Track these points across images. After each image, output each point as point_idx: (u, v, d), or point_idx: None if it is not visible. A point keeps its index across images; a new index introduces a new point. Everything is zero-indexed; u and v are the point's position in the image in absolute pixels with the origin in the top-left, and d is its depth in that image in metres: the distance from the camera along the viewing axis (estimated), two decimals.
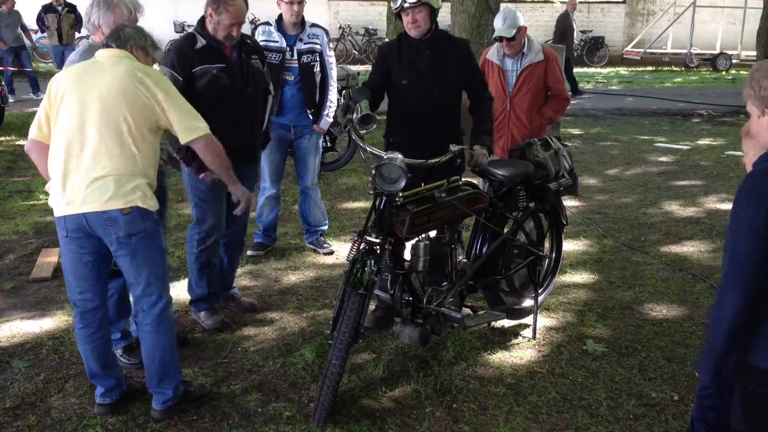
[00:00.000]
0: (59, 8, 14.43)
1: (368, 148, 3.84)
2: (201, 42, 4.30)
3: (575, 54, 23.91)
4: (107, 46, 3.43)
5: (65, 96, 3.28)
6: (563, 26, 16.00)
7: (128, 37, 3.44)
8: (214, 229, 4.46)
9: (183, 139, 3.40)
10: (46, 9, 14.73)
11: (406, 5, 4.23)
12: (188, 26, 19.23)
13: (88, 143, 3.23)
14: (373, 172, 3.62)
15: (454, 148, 3.98)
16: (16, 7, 14.84)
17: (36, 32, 19.85)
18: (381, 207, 3.68)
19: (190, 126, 3.39)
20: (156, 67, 3.84)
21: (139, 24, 3.76)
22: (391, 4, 4.36)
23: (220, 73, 4.29)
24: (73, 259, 3.41)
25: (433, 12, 4.32)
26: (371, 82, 4.53)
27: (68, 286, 3.51)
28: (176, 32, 19.53)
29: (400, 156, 3.66)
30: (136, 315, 4.07)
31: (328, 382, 3.47)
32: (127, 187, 3.25)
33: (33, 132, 3.39)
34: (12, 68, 14.39)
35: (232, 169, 3.68)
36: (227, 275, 4.90)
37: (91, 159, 3.23)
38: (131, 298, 3.65)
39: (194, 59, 4.26)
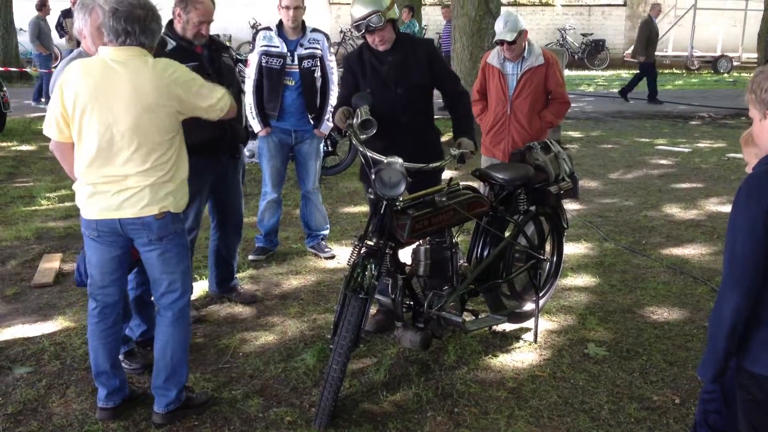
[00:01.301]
0: None
1: (368, 153, 3.85)
2: (171, 44, 4.41)
3: (575, 57, 23.97)
4: (125, 38, 3.26)
5: (86, 108, 3.24)
6: (647, 32, 15.56)
7: (153, 37, 3.35)
8: (192, 229, 4.58)
9: (213, 118, 3.60)
10: (66, 14, 14.74)
11: (372, 28, 4.21)
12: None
13: (120, 154, 3.27)
14: (373, 176, 3.63)
15: (454, 152, 4.00)
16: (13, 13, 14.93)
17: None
18: (382, 212, 3.69)
19: (213, 104, 3.51)
20: None
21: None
22: (353, 30, 4.37)
23: (194, 71, 4.34)
24: (101, 255, 3.49)
25: (394, 22, 4.33)
26: (343, 95, 4.56)
27: (91, 281, 3.56)
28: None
29: (400, 160, 3.66)
30: (133, 320, 4.13)
31: (328, 387, 3.48)
32: (160, 194, 3.35)
33: (54, 134, 3.38)
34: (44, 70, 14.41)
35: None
36: (229, 264, 5.04)
37: (124, 169, 3.28)
38: (152, 296, 3.68)
39: None
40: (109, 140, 3.26)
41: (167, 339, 3.57)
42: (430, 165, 3.91)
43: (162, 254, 3.45)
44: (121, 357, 4.04)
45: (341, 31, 22.98)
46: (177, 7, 4.40)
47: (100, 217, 3.35)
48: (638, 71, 16.22)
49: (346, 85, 4.57)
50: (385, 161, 3.67)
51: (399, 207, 3.69)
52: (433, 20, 23.41)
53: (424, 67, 4.41)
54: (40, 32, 14.50)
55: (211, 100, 3.47)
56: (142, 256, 3.51)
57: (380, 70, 4.39)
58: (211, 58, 4.55)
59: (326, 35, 5.84)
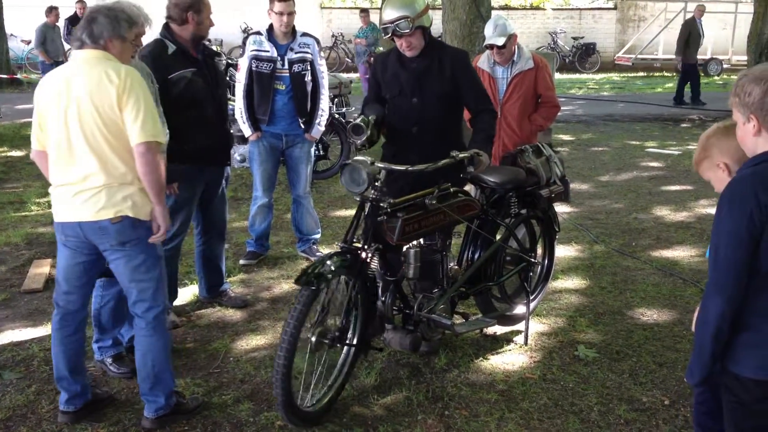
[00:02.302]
0: None
1: (357, 156, 3.88)
2: (172, 47, 4.46)
3: (566, 60, 24.03)
4: (82, 43, 3.32)
5: (49, 106, 3.30)
6: (686, 33, 15.39)
7: (101, 30, 3.29)
8: (178, 234, 4.62)
9: (132, 141, 3.25)
10: (72, 20, 14.69)
11: (399, 33, 4.17)
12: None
13: (76, 155, 3.27)
14: (340, 172, 3.67)
15: (459, 156, 3.97)
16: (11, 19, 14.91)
17: (28, 42, 19.90)
18: (367, 214, 3.70)
19: (139, 128, 3.22)
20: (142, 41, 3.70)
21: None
22: (381, 30, 4.34)
23: (194, 76, 4.48)
24: (67, 260, 3.48)
25: (426, 29, 4.28)
26: (371, 96, 4.60)
27: (56, 287, 3.57)
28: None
29: (368, 159, 3.66)
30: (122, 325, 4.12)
31: (276, 375, 3.41)
32: (117, 197, 3.29)
33: (34, 142, 3.43)
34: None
35: (163, 186, 3.43)
36: (217, 269, 5.07)
37: (81, 170, 3.28)
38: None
39: (169, 64, 4.40)
40: (67, 142, 3.27)
41: (146, 349, 3.54)
42: (410, 168, 3.87)
43: (128, 262, 3.40)
44: (109, 360, 4.06)
45: (333, 35, 23.00)
46: (186, 13, 4.41)
47: (63, 220, 3.38)
48: (681, 74, 15.95)
49: (370, 86, 4.63)
50: (352, 159, 3.69)
51: (385, 209, 3.69)
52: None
53: (446, 78, 4.33)
54: (45, 39, 14.45)
55: (147, 119, 3.24)
56: (110, 264, 3.47)
57: (401, 76, 4.37)
58: (206, 63, 4.61)
59: (316, 39, 5.85)
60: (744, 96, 2.31)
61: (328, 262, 3.54)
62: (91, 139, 3.24)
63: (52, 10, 14.77)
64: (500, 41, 5.28)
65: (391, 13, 4.16)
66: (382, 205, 3.67)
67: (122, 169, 3.29)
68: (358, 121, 4.09)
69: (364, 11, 17.20)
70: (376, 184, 3.68)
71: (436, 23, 9.82)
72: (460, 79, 4.37)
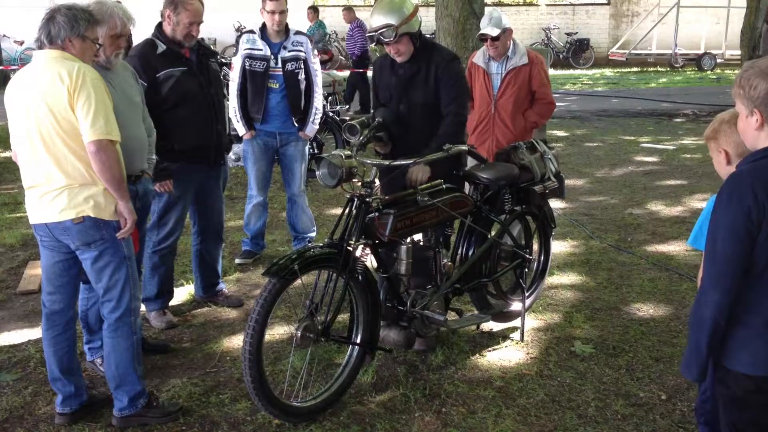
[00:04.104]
0: None
1: (333, 151, 3.92)
2: (161, 47, 4.47)
3: (560, 56, 24.04)
4: (41, 44, 3.28)
5: (11, 107, 3.32)
6: None
7: (58, 31, 3.25)
8: (173, 233, 4.64)
9: (84, 139, 3.21)
10: None
11: (384, 41, 4.18)
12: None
13: (38, 157, 3.28)
14: (315, 165, 3.71)
15: (452, 150, 3.97)
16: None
17: (21, 43, 19.83)
18: (355, 211, 3.71)
19: (89, 125, 3.17)
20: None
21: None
22: (368, 40, 4.34)
23: (183, 75, 4.48)
24: (47, 260, 3.51)
25: (413, 36, 4.25)
26: (375, 94, 4.66)
27: (42, 287, 3.60)
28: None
29: (343, 154, 3.65)
30: None
31: (245, 361, 3.42)
32: (78, 198, 3.29)
33: (12, 141, 3.45)
34: None
35: (125, 184, 3.39)
36: (213, 269, 5.07)
37: (43, 172, 3.29)
38: None
39: (157, 64, 4.41)
40: (30, 144, 3.28)
41: (109, 349, 3.55)
42: (393, 162, 3.90)
43: (93, 262, 3.41)
44: (99, 361, 4.06)
45: (326, 34, 22.94)
46: (167, 9, 4.45)
47: (34, 221, 3.42)
48: None
49: (372, 88, 4.67)
50: (327, 154, 3.70)
51: (374, 205, 3.69)
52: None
53: (430, 86, 4.33)
54: None
55: (98, 116, 3.18)
56: (83, 264, 3.48)
57: (391, 82, 4.42)
58: (200, 63, 4.60)
59: (309, 37, 5.85)
60: (749, 89, 2.29)
61: (305, 255, 3.55)
62: (49, 141, 3.23)
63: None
64: (495, 32, 5.27)
65: (376, 21, 4.17)
66: (369, 200, 3.68)
67: (81, 170, 3.27)
68: (354, 122, 4.10)
69: (313, 8, 17.19)
70: (369, 180, 3.69)
71: (430, 20, 9.78)
72: (441, 82, 4.33)
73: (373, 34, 4.17)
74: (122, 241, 3.44)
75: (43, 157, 3.26)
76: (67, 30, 3.26)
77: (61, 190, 3.28)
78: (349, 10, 16.75)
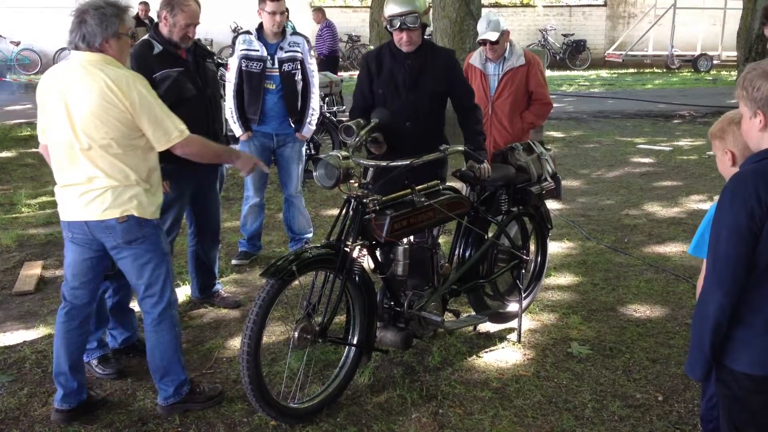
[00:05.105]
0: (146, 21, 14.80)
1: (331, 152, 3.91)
2: (158, 47, 4.48)
3: (557, 57, 24.08)
4: (76, 46, 3.30)
5: (49, 106, 3.33)
6: None
7: (93, 34, 3.26)
8: (170, 234, 4.63)
9: (158, 148, 3.43)
10: (137, 22, 14.79)
11: (405, 27, 4.28)
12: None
13: (79, 158, 3.32)
14: (312, 166, 3.70)
15: (448, 150, 3.99)
16: None
17: (17, 44, 19.82)
18: (352, 212, 3.70)
19: (162, 134, 3.37)
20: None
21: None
22: (385, 23, 4.38)
23: (180, 76, 4.48)
24: (75, 256, 3.54)
25: (424, 28, 4.43)
26: (360, 92, 4.62)
27: (64, 281, 3.63)
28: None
29: (340, 155, 3.65)
30: (114, 327, 4.13)
31: (242, 362, 3.42)
32: (123, 197, 3.36)
33: (40, 136, 3.50)
34: None
35: (220, 152, 3.93)
36: (210, 270, 5.06)
37: (85, 173, 3.33)
38: (136, 298, 3.68)
39: (154, 64, 4.41)
40: (70, 146, 3.31)
41: (154, 343, 3.62)
42: (390, 163, 3.89)
43: (135, 260, 3.48)
44: (95, 362, 4.07)
45: None
46: (163, 10, 4.45)
47: (70, 219, 3.43)
48: None
49: (359, 83, 4.66)
50: (325, 155, 3.70)
51: (372, 206, 3.69)
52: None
53: (440, 76, 4.46)
54: None
55: (159, 122, 3.34)
56: (117, 262, 3.53)
57: (395, 73, 4.46)
58: (196, 64, 4.59)
59: (306, 38, 5.84)
60: (752, 90, 2.29)
61: (302, 256, 3.55)
62: (94, 146, 3.28)
63: (141, 4, 14.91)
64: (494, 36, 5.28)
65: (402, 6, 4.25)
66: (365, 201, 3.67)
67: (126, 172, 3.35)
68: (350, 123, 4.09)
69: (318, 9, 17.27)
70: (364, 180, 3.69)
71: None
72: (451, 77, 4.50)
73: (398, 18, 4.26)
74: (161, 238, 3.54)
75: (84, 159, 3.31)
76: (102, 31, 3.27)
77: (104, 190, 3.33)
78: (318, 10, 16.83)
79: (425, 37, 4.56)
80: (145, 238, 3.45)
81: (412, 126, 4.43)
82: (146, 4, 15.95)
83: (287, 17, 5.61)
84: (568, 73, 23.39)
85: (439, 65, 4.46)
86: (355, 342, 3.83)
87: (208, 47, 5.17)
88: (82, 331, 3.66)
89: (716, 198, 2.35)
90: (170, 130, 3.38)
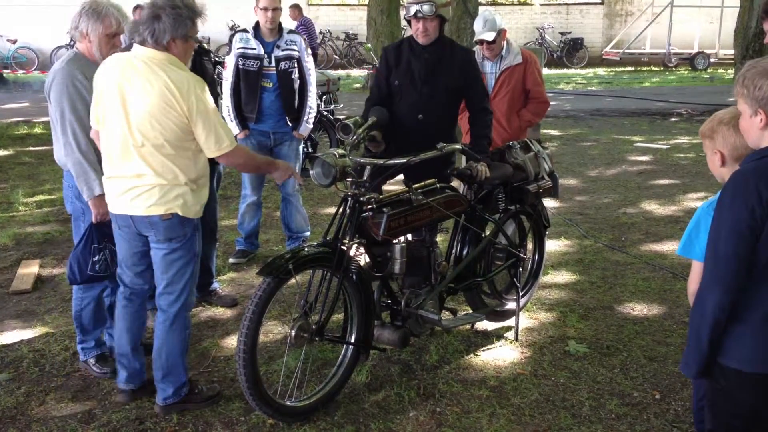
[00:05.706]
0: None
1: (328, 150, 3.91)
2: None
3: (554, 55, 24.08)
4: (143, 41, 3.31)
5: (106, 95, 3.36)
6: None
7: (163, 32, 3.28)
8: None
9: (208, 155, 3.46)
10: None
11: (420, 15, 4.31)
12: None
13: (131, 153, 3.35)
14: (309, 164, 3.70)
15: (445, 148, 3.98)
16: None
17: (14, 41, 19.78)
18: (349, 210, 3.70)
19: (213, 142, 3.39)
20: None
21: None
22: (402, 11, 4.42)
23: None
24: (126, 248, 3.62)
25: (443, 22, 4.46)
26: (377, 84, 4.69)
27: (120, 268, 3.71)
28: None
29: (337, 153, 3.65)
30: (112, 327, 4.14)
31: (239, 361, 3.42)
32: (169, 196, 3.40)
33: (93, 122, 3.53)
34: None
35: (261, 164, 3.94)
36: (207, 268, 5.04)
37: (135, 168, 3.37)
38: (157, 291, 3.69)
39: None
40: (123, 140, 3.34)
41: (162, 342, 3.64)
42: (388, 162, 3.89)
43: (166, 255, 3.51)
44: (92, 361, 4.07)
45: (320, 32, 22.93)
46: None
47: (116, 212, 3.50)
48: None
49: (377, 75, 4.73)
50: (323, 154, 3.70)
51: (368, 204, 3.69)
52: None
53: (456, 73, 4.50)
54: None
55: (212, 131, 3.36)
56: (150, 251, 3.57)
57: (413, 64, 4.50)
58: (193, 62, 4.55)
59: (303, 36, 5.84)
60: (753, 89, 2.29)
61: (299, 254, 3.56)
62: (147, 144, 3.31)
63: (136, 9, 14.83)
64: (490, 36, 5.28)
65: None
66: (362, 200, 3.67)
67: (176, 172, 3.39)
68: (348, 121, 4.09)
69: (296, 6, 17.30)
70: (362, 179, 3.68)
71: None
72: (467, 75, 4.54)
73: (414, 5, 4.29)
74: (197, 238, 3.59)
75: (136, 155, 3.34)
76: (173, 31, 3.29)
77: (151, 187, 3.37)
78: (295, 7, 16.79)
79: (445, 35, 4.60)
80: (184, 237, 3.50)
81: (424, 120, 4.47)
82: (141, 7, 15.88)
83: (280, 14, 5.59)
84: (565, 71, 23.39)
85: (456, 62, 4.51)
86: (352, 340, 3.84)
87: (205, 45, 5.16)
88: (142, 313, 3.78)
89: (709, 198, 2.35)
90: (222, 139, 3.39)
